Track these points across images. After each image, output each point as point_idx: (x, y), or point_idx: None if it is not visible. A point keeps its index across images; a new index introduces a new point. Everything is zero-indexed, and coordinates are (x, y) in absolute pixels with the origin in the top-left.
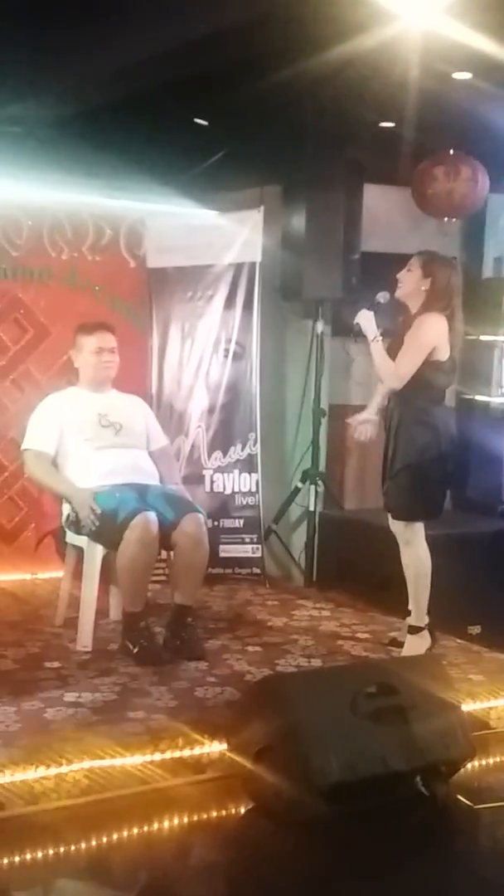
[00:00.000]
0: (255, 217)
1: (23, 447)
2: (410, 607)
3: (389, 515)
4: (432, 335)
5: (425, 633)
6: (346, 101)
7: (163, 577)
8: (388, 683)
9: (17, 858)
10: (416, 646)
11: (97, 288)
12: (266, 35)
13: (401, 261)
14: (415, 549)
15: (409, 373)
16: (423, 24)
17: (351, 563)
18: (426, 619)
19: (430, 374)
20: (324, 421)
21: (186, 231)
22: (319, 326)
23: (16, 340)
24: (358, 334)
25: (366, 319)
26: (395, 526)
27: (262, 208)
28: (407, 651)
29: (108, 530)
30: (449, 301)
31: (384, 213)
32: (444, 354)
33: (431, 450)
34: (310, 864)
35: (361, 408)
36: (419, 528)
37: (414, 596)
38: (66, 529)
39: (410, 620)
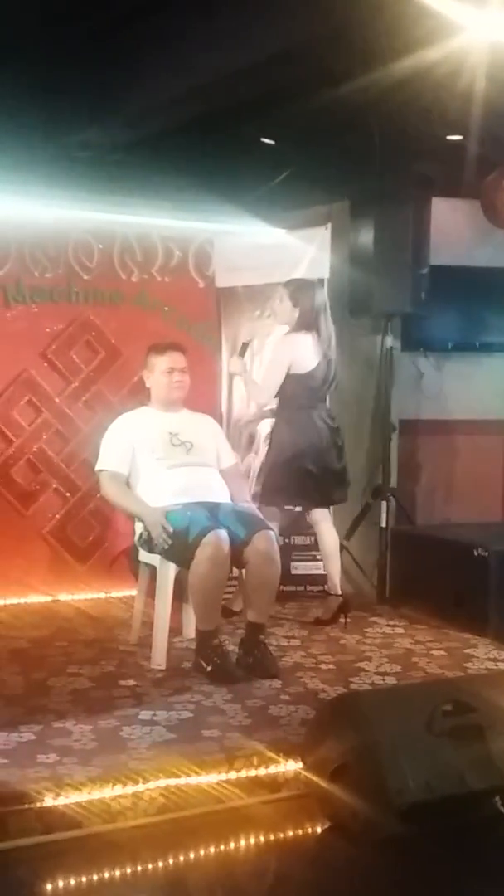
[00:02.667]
0: (323, 234)
1: (97, 468)
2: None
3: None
4: (287, 354)
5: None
6: (412, 115)
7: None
8: (464, 701)
9: (94, 877)
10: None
11: (167, 308)
12: (331, 52)
13: (470, 274)
14: (328, 525)
15: (269, 389)
16: (490, 36)
17: (424, 579)
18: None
19: (290, 386)
20: (394, 436)
21: (254, 250)
22: (388, 341)
23: (88, 362)
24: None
25: (236, 365)
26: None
27: (329, 225)
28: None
29: (180, 549)
30: (315, 319)
31: (453, 226)
32: (304, 367)
33: (288, 449)
34: (387, 884)
35: (432, 422)
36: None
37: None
38: (139, 548)
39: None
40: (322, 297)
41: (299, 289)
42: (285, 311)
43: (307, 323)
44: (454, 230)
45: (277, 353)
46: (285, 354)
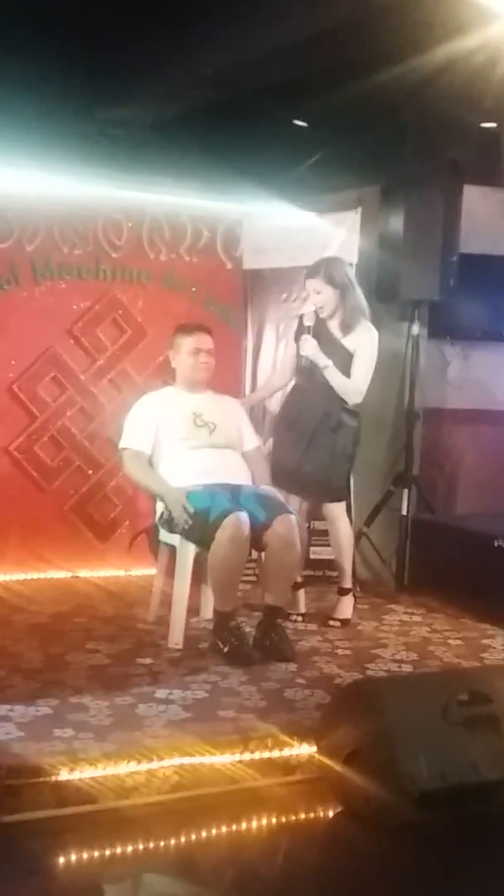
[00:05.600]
0: (353, 218)
1: (121, 446)
2: (343, 572)
3: (320, 500)
4: (376, 350)
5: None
6: (446, 102)
7: (253, 578)
8: (481, 692)
9: (107, 851)
10: (348, 605)
11: (194, 289)
12: (366, 37)
13: (500, 263)
14: (345, 522)
15: (364, 390)
16: None
17: (443, 568)
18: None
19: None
20: (418, 424)
21: (283, 232)
22: (415, 328)
23: (114, 340)
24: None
25: (312, 348)
26: (333, 507)
27: (359, 209)
28: (342, 610)
29: (201, 529)
30: (355, 294)
31: (483, 214)
32: None
33: (339, 448)
34: (398, 870)
35: (457, 412)
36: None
37: (347, 562)
38: (160, 527)
39: (345, 584)
40: (350, 271)
41: (330, 265)
42: (329, 297)
43: (355, 296)
44: (485, 218)
45: (373, 352)
46: (375, 349)
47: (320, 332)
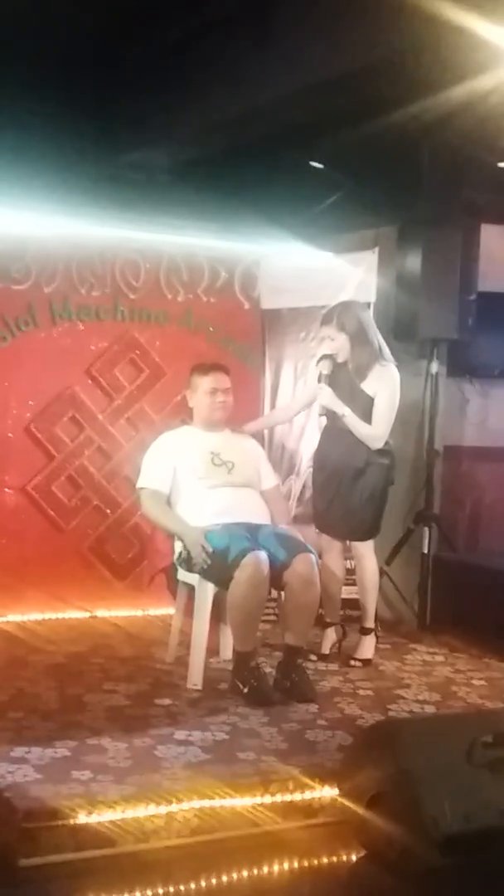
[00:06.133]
0: (370, 258)
1: (138, 485)
2: (366, 611)
3: (349, 539)
4: (398, 392)
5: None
6: (462, 142)
7: (273, 617)
8: None
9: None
10: (370, 645)
11: (212, 329)
12: (382, 79)
13: None
14: (372, 561)
15: (385, 434)
16: None
17: (465, 607)
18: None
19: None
20: (438, 462)
21: (301, 272)
22: (434, 367)
23: (131, 380)
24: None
25: (328, 397)
26: (360, 545)
27: (376, 249)
28: (364, 650)
29: (219, 569)
30: (373, 336)
31: (501, 253)
32: None
33: (329, 472)
34: None
35: (477, 449)
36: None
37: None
38: (178, 567)
39: (367, 624)
40: (366, 313)
41: (343, 312)
42: (342, 343)
43: (368, 342)
44: (503, 257)
45: (393, 395)
46: (396, 392)
47: (339, 378)
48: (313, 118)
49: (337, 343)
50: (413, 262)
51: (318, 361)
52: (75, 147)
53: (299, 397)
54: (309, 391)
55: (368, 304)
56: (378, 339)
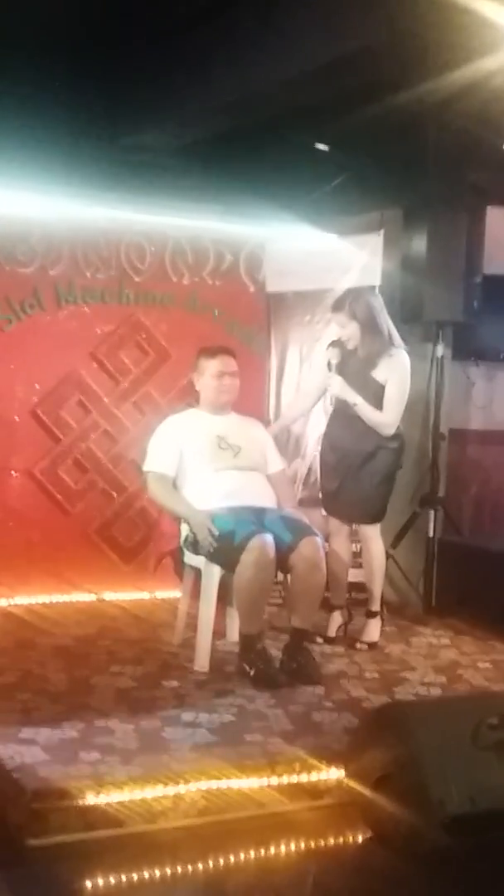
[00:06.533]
0: (375, 241)
1: (145, 468)
2: (372, 595)
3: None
4: (408, 379)
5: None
6: (468, 123)
7: (279, 600)
8: None
9: (135, 876)
10: (376, 628)
11: (217, 312)
12: (389, 60)
13: None
14: (379, 544)
15: (396, 421)
16: None
17: (470, 590)
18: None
19: None
20: (443, 445)
21: (306, 255)
22: (440, 350)
23: (137, 363)
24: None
25: (338, 386)
26: (368, 529)
27: (382, 232)
28: (370, 632)
29: (226, 552)
30: (384, 324)
31: None
32: None
33: (338, 455)
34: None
35: (482, 433)
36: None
37: (378, 585)
38: (185, 550)
39: (373, 607)
40: (377, 299)
41: (354, 301)
42: (353, 331)
43: (379, 330)
44: None
45: (404, 382)
46: (407, 379)
47: (349, 365)
48: (318, 100)
49: (347, 331)
50: (418, 244)
51: (328, 349)
52: (80, 130)
53: (310, 390)
54: (319, 381)
55: (374, 288)
56: (389, 326)
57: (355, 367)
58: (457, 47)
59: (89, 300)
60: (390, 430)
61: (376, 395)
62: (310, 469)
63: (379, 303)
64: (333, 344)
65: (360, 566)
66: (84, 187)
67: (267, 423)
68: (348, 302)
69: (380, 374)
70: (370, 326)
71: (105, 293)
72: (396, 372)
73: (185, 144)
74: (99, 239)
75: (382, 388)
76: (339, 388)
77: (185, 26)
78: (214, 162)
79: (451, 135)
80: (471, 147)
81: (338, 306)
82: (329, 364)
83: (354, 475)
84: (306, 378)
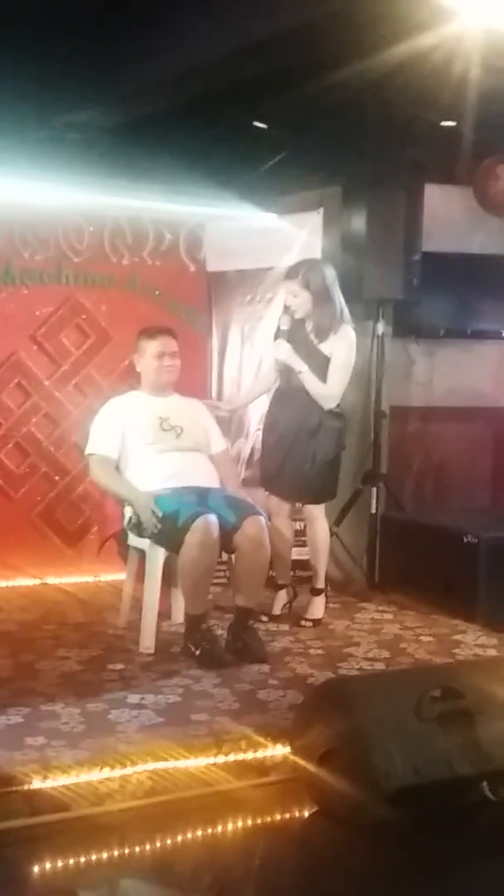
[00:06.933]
0: (315, 219)
1: (87, 451)
2: (317, 573)
3: (300, 502)
4: (353, 353)
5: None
6: (406, 100)
7: (224, 580)
8: (453, 687)
9: (82, 859)
10: (321, 605)
11: (157, 292)
12: (326, 36)
13: (463, 261)
14: (323, 523)
15: (339, 395)
16: (484, 22)
17: (413, 565)
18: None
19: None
20: (385, 422)
21: (246, 234)
22: (380, 328)
23: (78, 345)
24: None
25: (286, 352)
26: (312, 508)
27: (321, 210)
28: (314, 610)
29: (169, 533)
30: (335, 297)
31: (445, 213)
32: None
33: (280, 434)
34: (374, 868)
35: (423, 409)
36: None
37: (322, 563)
38: (129, 532)
39: (318, 584)
40: (331, 271)
41: (309, 270)
42: (305, 301)
43: (332, 302)
44: (447, 217)
45: (349, 356)
46: (352, 354)
47: (297, 335)
48: (256, 77)
49: (299, 300)
50: (357, 222)
51: (280, 316)
52: (14, 109)
53: (270, 365)
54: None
55: (327, 260)
56: (340, 299)
57: (301, 337)
58: (395, 23)
59: (28, 282)
60: (332, 403)
61: (321, 368)
62: (253, 448)
63: (332, 274)
64: (285, 311)
65: (304, 544)
66: (21, 167)
67: (210, 404)
68: (302, 271)
69: (326, 347)
70: (322, 297)
71: (44, 274)
72: (343, 345)
73: (123, 123)
74: (36, 219)
75: (327, 360)
76: (287, 354)
77: (122, 2)
78: (152, 141)
79: (390, 112)
80: (409, 124)
81: (291, 274)
82: (278, 330)
83: (296, 454)
84: (256, 356)
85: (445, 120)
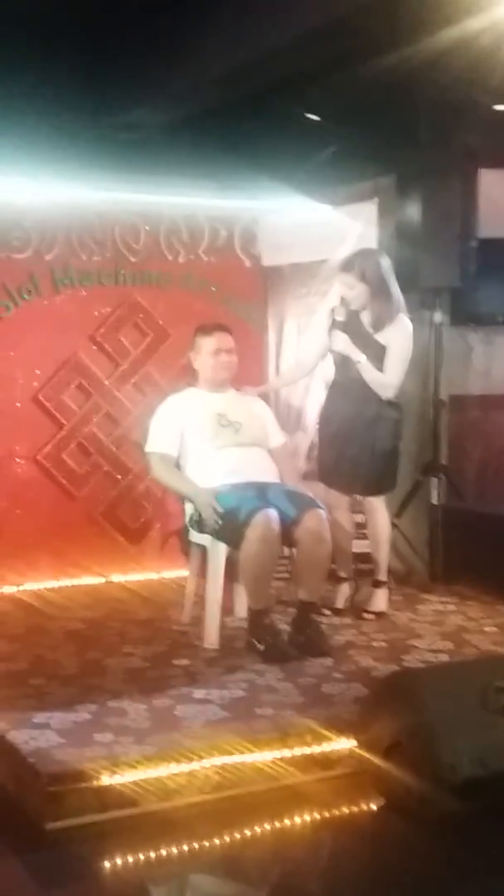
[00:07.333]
0: (369, 209)
1: (147, 450)
2: (378, 565)
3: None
4: (410, 344)
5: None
6: (457, 85)
7: (286, 574)
8: None
9: (152, 854)
10: (383, 597)
11: (214, 289)
12: (374, 24)
13: None
14: (384, 515)
15: (397, 385)
16: None
17: (475, 555)
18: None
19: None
20: (444, 412)
21: (300, 228)
22: (437, 316)
23: (136, 344)
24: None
25: (343, 342)
26: (372, 500)
27: (375, 200)
28: (377, 602)
29: (231, 529)
30: (391, 287)
31: (501, 198)
32: None
33: (338, 427)
34: (443, 861)
35: (482, 398)
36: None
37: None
38: (190, 529)
39: (380, 577)
40: (386, 261)
41: (364, 261)
42: (360, 293)
43: (389, 293)
44: (502, 201)
45: (407, 345)
46: (409, 344)
47: (353, 325)
48: (307, 69)
49: (355, 292)
50: (412, 211)
51: (335, 307)
52: (69, 110)
53: (313, 349)
54: (321, 342)
55: (382, 251)
56: (396, 290)
57: (358, 328)
58: (444, 6)
59: (86, 283)
60: (391, 392)
61: (378, 358)
62: (311, 442)
63: (388, 264)
64: (340, 302)
65: (365, 537)
66: (75, 169)
67: (267, 398)
68: (357, 263)
69: (383, 337)
70: (379, 288)
71: (101, 275)
72: (400, 335)
73: (176, 120)
74: (93, 221)
75: (384, 349)
76: (344, 344)
77: (172, 1)
78: (204, 138)
79: (441, 98)
80: (461, 110)
81: (346, 267)
82: (333, 322)
83: (353, 446)
84: (307, 339)
85: (498, 103)
